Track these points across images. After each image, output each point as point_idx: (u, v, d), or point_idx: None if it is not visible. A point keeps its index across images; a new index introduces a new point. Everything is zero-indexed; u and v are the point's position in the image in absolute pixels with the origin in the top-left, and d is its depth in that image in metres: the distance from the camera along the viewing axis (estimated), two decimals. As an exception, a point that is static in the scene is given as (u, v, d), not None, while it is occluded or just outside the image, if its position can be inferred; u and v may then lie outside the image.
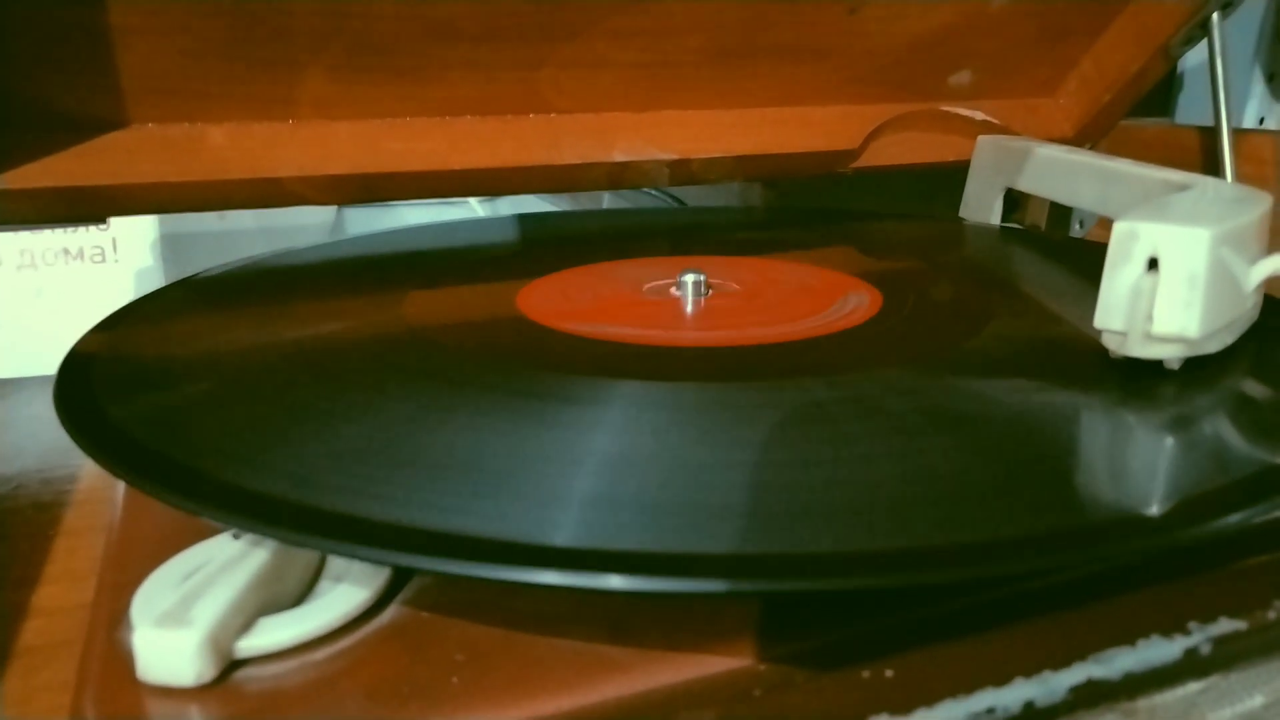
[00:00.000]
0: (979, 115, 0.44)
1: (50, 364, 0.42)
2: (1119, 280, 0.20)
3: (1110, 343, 0.20)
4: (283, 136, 0.34)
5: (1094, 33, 0.43)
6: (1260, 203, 0.23)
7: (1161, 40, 0.41)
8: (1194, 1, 0.40)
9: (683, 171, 0.40)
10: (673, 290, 0.28)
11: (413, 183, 0.36)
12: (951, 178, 0.44)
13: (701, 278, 0.27)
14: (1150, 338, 0.20)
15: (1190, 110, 0.66)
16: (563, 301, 0.28)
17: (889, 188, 0.48)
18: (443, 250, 0.38)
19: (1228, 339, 0.21)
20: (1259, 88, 0.70)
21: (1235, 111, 0.40)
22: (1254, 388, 0.20)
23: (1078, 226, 0.47)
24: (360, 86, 0.34)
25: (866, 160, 0.43)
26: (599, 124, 0.38)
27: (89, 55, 0.30)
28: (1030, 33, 0.42)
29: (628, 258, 0.35)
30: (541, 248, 0.39)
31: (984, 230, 0.40)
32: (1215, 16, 0.40)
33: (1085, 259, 0.34)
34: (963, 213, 0.43)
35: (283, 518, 0.15)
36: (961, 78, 0.43)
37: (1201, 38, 0.41)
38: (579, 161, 0.38)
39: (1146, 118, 0.54)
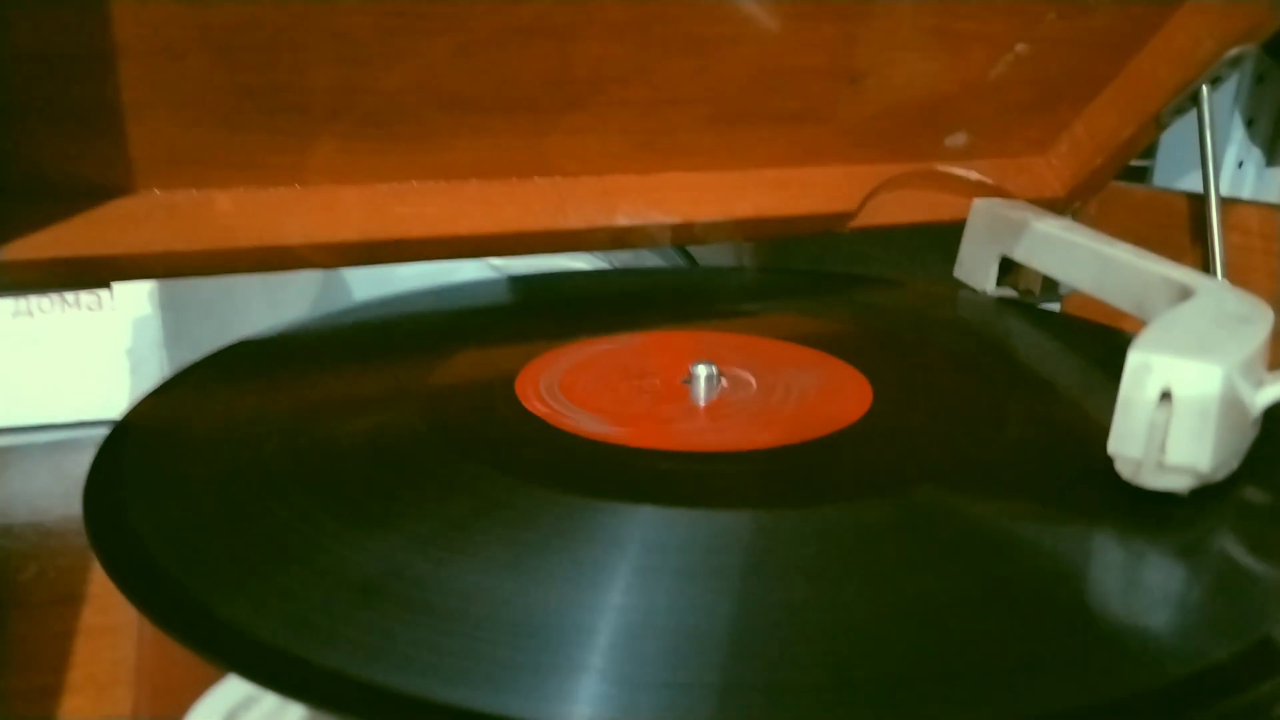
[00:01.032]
0: (974, 175, 0.45)
1: (47, 412, 0.42)
2: (1132, 411, 0.20)
3: (1123, 469, 0.21)
4: (289, 202, 0.34)
5: (1085, 99, 0.44)
6: (1264, 319, 0.23)
7: (1152, 110, 0.42)
8: (1184, 76, 0.41)
9: (685, 233, 0.40)
10: (684, 382, 0.28)
11: (418, 247, 0.36)
12: (947, 234, 0.45)
13: (713, 370, 0.28)
14: (1163, 468, 0.20)
15: (1172, 156, 0.68)
16: (572, 394, 0.28)
17: (883, 242, 0.49)
18: (457, 316, 0.38)
19: (1234, 464, 0.22)
20: (1238, 133, 0.72)
21: (1216, 156, 0.41)
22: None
23: (1067, 283, 0.48)
24: (368, 154, 0.34)
25: (864, 220, 0.44)
26: (603, 187, 0.39)
27: (96, 126, 0.30)
28: (1024, 98, 0.43)
29: (638, 327, 0.35)
30: (551, 313, 0.40)
31: (991, 305, 0.40)
32: (1205, 89, 0.41)
33: (1090, 341, 0.34)
34: (957, 273, 0.44)
35: (280, 678, 0.16)
36: (957, 139, 0.44)
37: (1191, 108, 0.42)
38: (584, 226, 0.38)
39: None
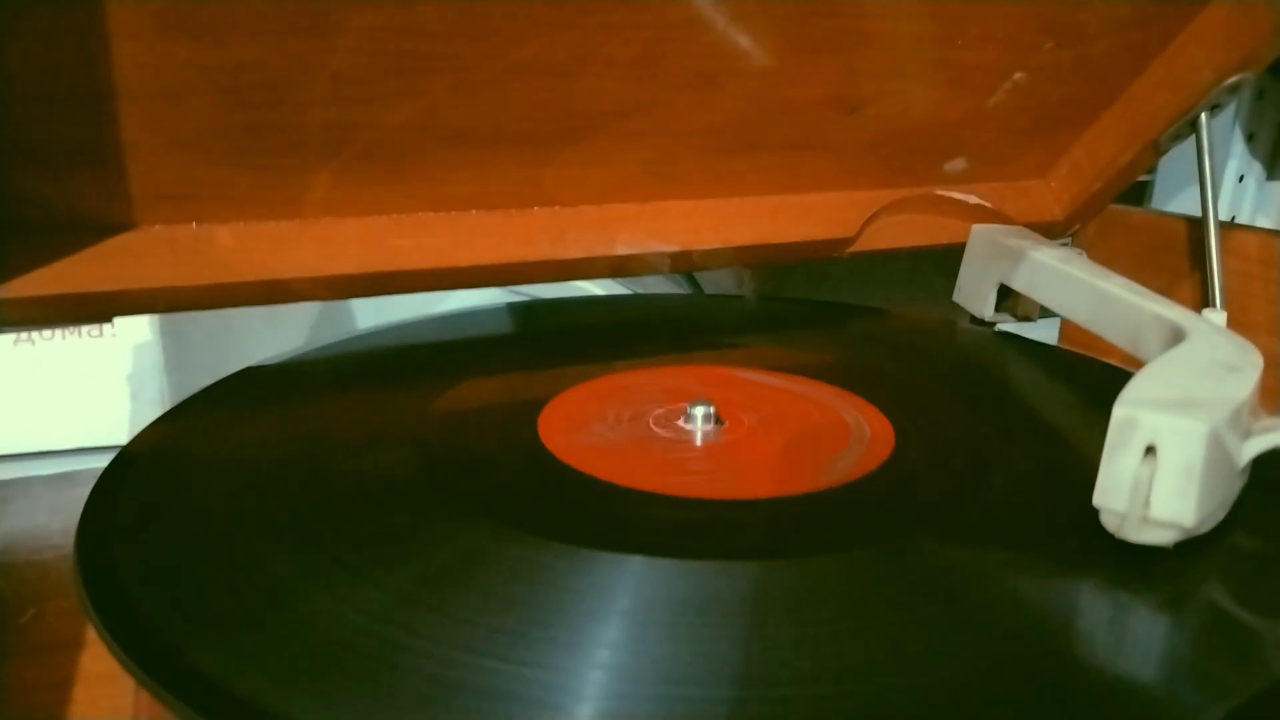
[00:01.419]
0: (973, 199, 0.45)
1: (49, 439, 0.42)
2: (1117, 465, 0.21)
3: (1109, 522, 0.21)
4: (290, 235, 0.34)
5: (1085, 124, 0.44)
6: (1254, 367, 0.23)
7: (1151, 136, 0.42)
8: (1182, 103, 0.41)
9: (684, 261, 0.40)
10: (682, 423, 0.28)
11: (417, 279, 0.36)
12: (950, 255, 0.45)
13: (711, 409, 0.28)
14: (1147, 522, 0.20)
15: (1173, 171, 0.68)
16: (567, 434, 0.28)
17: (884, 264, 0.49)
18: (459, 345, 0.39)
19: (1220, 515, 0.22)
20: (1239, 147, 0.72)
21: (1214, 182, 0.41)
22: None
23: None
24: (367, 188, 0.34)
25: (863, 245, 0.44)
26: (602, 216, 0.39)
27: (98, 164, 0.30)
28: (1024, 123, 0.43)
29: (640, 358, 0.36)
30: (553, 344, 0.40)
31: (992, 339, 0.40)
32: (1204, 116, 0.41)
33: (1091, 378, 0.34)
34: (956, 297, 0.44)
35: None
36: (956, 165, 0.44)
37: (1190, 134, 0.42)
38: (583, 255, 0.38)
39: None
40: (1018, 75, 0.40)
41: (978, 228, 0.43)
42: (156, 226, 0.33)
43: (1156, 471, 0.20)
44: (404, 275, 0.36)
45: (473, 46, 0.31)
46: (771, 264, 0.48)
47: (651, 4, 0.32)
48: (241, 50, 0.28)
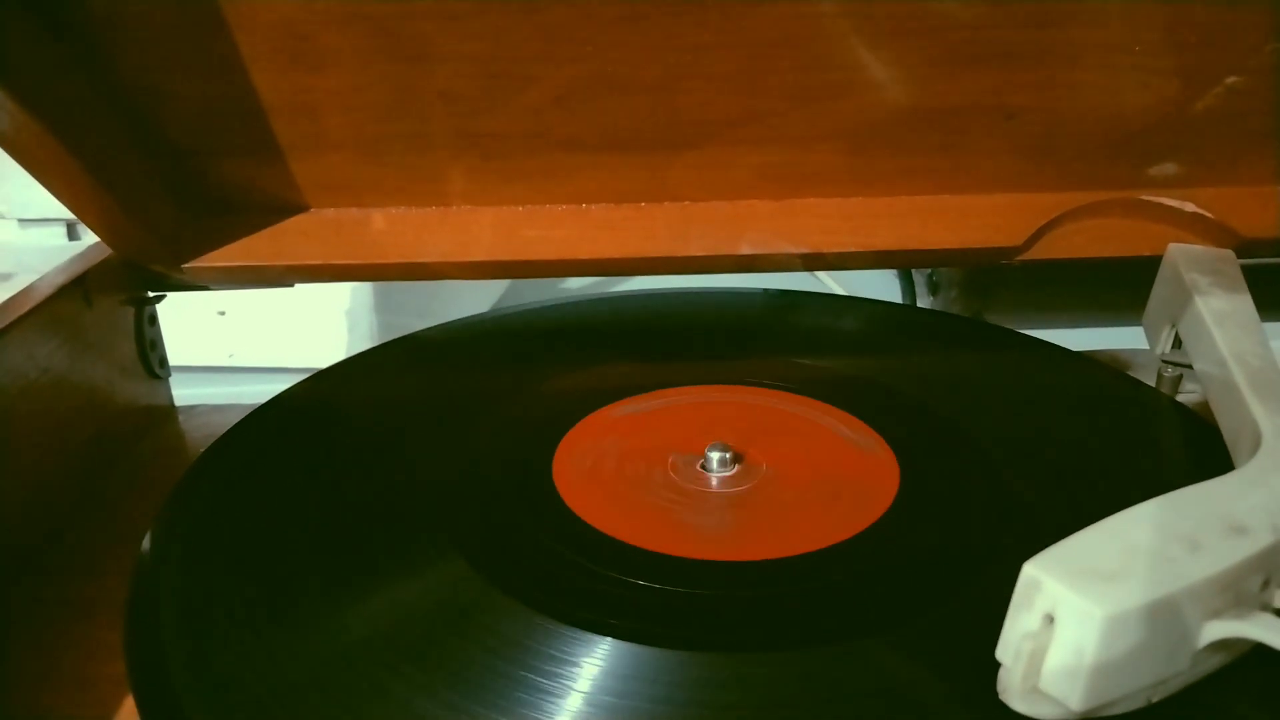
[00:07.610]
0: (1189, 206, 0.39)
1: (284, 358, 0.51)
2: (1014, 625, 0.19)
3: (1000, 680, 0.20)
4: (432, 223, 0.38)
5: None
6: (1269, 532, 0.20)
7: None
8: None
9: (817, 262, 0.39)
10: (699, 466, 0.29)
11: (545, 267, 0.39)
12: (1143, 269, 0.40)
13: (727, 454, 0.28)
14: (1036, 693, 0.19)
15: None
16: (594, 475, 0.29)
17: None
18: (557, 336, 0.42)
19: (1166, 691, 0.19)
20: None
21: None
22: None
23: None
24: (497, 184, 0.37)
25: (1040, 252, 0.40)
26: (733, 212, 0.39)
27: (269, 160, 0.36)
28: (1251, 126, 0.36)
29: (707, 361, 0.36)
30: (654, 342, 0.41)
31: (1103, 384, 0.36)
32: None
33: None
34: (1144, 320, 0.39)
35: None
36: (1165, 168, 0.38)
37: None
38: (705, 253, 0.38)
39: None
40: (1231, 79, 0.34)
41: (1174, 247, 0.38)
42: (326, 210, 0.38)
43: (1051, 644, 0.18)
44: (532, 264, 0.38)
45: (560, 69, 0.32)
46: (917, 267, 0.45)
47: (742, 26, 0.31)
48: (352, 76, 0.32)
